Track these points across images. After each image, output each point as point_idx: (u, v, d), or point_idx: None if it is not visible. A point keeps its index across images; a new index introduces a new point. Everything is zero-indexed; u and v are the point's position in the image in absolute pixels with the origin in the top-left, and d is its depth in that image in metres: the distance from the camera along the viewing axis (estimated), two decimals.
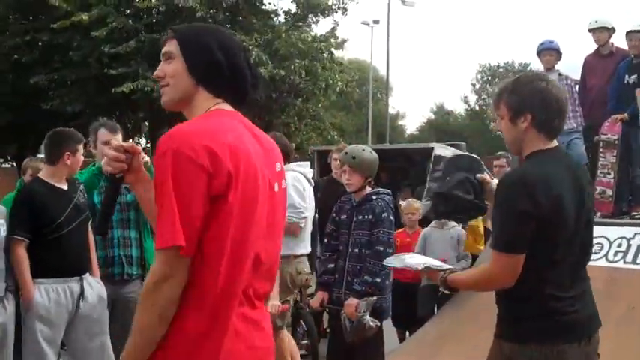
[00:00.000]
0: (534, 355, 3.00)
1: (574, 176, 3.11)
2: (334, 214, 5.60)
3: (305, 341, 6.86)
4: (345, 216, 5.47)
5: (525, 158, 3.18)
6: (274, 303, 5.30)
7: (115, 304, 5.69)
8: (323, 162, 12.89)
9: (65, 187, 5.20)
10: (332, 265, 5.47)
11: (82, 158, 5.25)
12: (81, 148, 5.21)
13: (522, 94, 3.12)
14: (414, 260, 3.54)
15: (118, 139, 5.71)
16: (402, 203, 8.22)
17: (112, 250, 5.64)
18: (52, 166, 5.17)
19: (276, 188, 2.50)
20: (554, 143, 3.19)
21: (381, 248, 5.22)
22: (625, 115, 7.99)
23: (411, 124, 74.27)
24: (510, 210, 2.98)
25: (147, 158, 5.64)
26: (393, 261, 3.82)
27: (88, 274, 5.23)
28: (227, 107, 2.50)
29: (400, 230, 8.03)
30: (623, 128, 8.08)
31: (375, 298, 5.19)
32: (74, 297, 5.10)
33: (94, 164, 5.85)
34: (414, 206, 8.13)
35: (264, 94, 19.43)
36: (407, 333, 8.17)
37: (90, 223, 5.32)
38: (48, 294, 5.01)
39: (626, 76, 8.21)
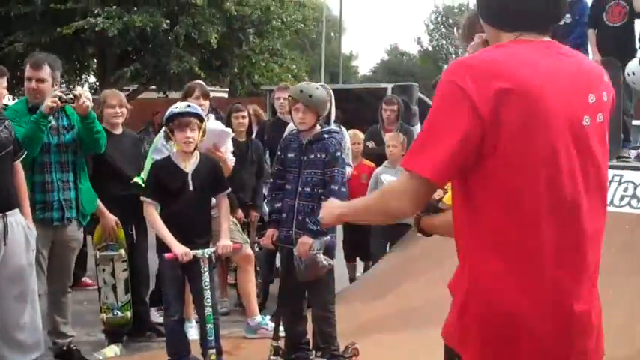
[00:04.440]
0: None
1: None
2: (279, 153, 5.49)
3: (256, 280, 6.79)
4: (292, 154, 5.36)
5: None
6: (225, 243, 5.20)
7: (53, 246, 5.57)
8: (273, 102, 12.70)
9: None
10: (279, 205, 5.38)
11: (3, 92, 5.01)
12: (3, 81, 4.97)
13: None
14: None
15: (41, 74, 5.50)
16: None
17: (51, 194, 5.47)
18: None
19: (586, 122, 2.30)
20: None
21: (336, 187, 5.14)
22: None
23: (365, 66, 73.59)
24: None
25: (88, 102, 5.48)
26: None
27: (15, 211, 4.95)
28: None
29: None
30: None
31: (328, 237, 5.13)
32: None
33: (26, 100, 5.65)
34: (358, 136, 8.07)
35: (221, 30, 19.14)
36: (357, 268, 8.23)
37: (19, 160, 5.10)
38: None
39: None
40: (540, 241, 2.22)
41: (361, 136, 8.16)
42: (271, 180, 5.71)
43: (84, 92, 5.47)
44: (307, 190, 5.22)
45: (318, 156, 5.22)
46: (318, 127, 5.32)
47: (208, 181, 5.24)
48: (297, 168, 5.29)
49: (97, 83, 22.36)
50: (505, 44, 2.35)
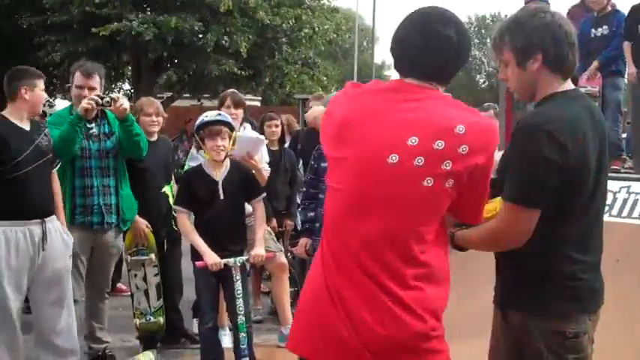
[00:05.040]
0: (546, 326, 2.72)
1: (595, 119, 2.76)
2: (313, 162, 5.50)
3: (291, 289, 6.80)
4: (325, 164, 5.34)
5: (541, 101, 2.80)
6: (258, 252, 5.22)
7: (93, 251, 5.63)
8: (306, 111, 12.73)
9: (27, 127, 5.02)
10: (312, 214, 5.38)
11: (42, 94, 5.07)
12: (40, 84, 5.02)
13: (527, 32, 2.73)
14: None
15: (92, 83, 5.59)
16: None
17: (91, 198, 5.53)
18: (12, 102, 4.99)
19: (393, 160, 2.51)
20: (570, 84, 2.82)
21: None
22: (596, 62, 8.14)
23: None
24: (532, 158, 2.60)
25: (126, 105, 5.57)
26: None
27: (53, 217, 5.06)
28: None
29: None
30: (603, 81, 8.16)
31: None
32: (35, 241, 4.91)
33: (71, 107, 5.74)
34: None
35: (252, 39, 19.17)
36: None
37: (55, 168, 5.21)
38: (6, 236, 4.82)
39: (592, 30, 8.38)
40: None
41: None
42: (304, 189, 5.71)
43: (120, 96, 5.55)
44: None
45: None
46: None
47: (240, 189, 5.25)
48: None
49: (132, 91, 22.55)
50: None
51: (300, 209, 6.41)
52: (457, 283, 6.44)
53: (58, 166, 5.26)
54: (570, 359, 2.73)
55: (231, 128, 5.22)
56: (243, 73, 18.85)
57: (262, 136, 6.46)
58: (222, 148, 5.10)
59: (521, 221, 2.65)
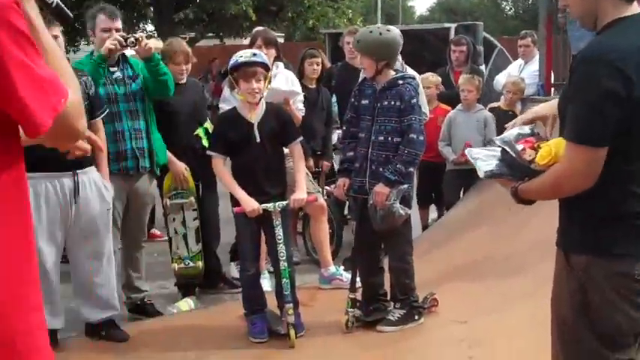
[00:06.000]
0: (613, 269, 2.53)
1: None
2: (353, 100, 5.26)
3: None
4: (366, 101, 5.15)
5: (602, 29, 2.56)
6: (299, 196, 5.06)
7: (129, 199, 5.50)
8: (333, 46, 12.42)
9: None
10: (351, 154, 5.20)
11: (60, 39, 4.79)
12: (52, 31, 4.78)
13: None
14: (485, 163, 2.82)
15: (117, 25, 5.40)
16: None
17: (123, 143, 5.37)
18: None
19: None
20: (635, 8, 2.54)
21: (414, 136, 4.93)
22: None
23: (421, 5, 72.02)
24: (593, 92, 2.41)
25: (150, 44, 5.38)
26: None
27: (89, 169, 4.89)
28: None
29: None
30: None
31: (406, 186, 4.94)
32: (66, 192, 4.75)
33: (91, 53, 5.54)
34: (429, 79, 7.79)
35: None
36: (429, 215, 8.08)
37: (100, 116, 5.05)
38: (35, 189, 4.62)
39: None
40: None
41: (432, 79, 7.86)
42: (344, 127, 5.51)
43: (144, 35, 5.39)
44: (381, 138, 5.03)
45: (392, 103, 5.00)
46: (392, 73, 5.09)
47: (277, 131, 5.06)
48: (371, 116, 5.09)
49: (155, 32, 22.29)
50: None
51: (339, 148, 6.22)
52: (499, 220, 6.41)
53: (103, 114, 5.08)
54: None
55: (267, 69, 5.01)
56: (254, 16, 18.38)
57: (296, 88, 6.24)
58: (257, 90, 4.89)
59: (587, 163, 2.44)
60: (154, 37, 20.50)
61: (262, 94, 4.96)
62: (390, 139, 5.00)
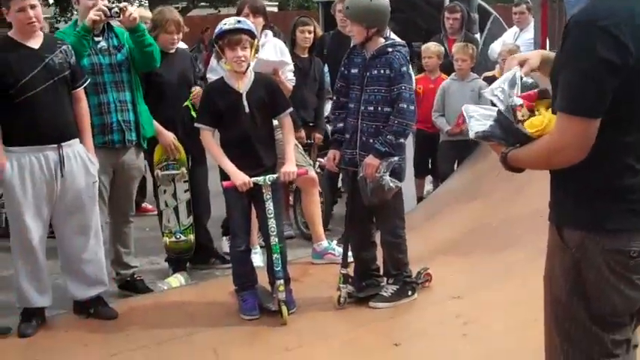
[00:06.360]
0: (607, 245, 2.40)
1: None
2: (342, 68, 5.13)
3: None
4: (355, 70, 5.01)
5: None
6: (289, 169, 4.94)
7: (115, 173, 5.39)
8: (327, 15, 12.23)
9: (37, 45, 4.70)
10: (341, 125, 5.08)
11: (29, 13, 4.61)
12: (21, 3, 4.59)
13: None
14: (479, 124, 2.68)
15: None
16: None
17: (109, 115, 5.24)
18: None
19: None
20: None
21: (404, 106, 4.80)
22: None
23: None
24: (587, 60, 2.27)
25: (135, 14, 5.24)
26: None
27: (73, 141, 4.78)
28: None
29: (421, 75, 7.75)
30: None
31: (396, 158, 4.82)
32: (51, 166, 4.66)
33: (75, 22, 5.40)
34: (431, 49, 7.65)
35: None
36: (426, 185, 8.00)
37: (81, 87, 4.92)
38: (19, 163, 4.59)
39: None
40: None
41: (434, 49, 7.69)
42: (334, 97, 5.38)
43: (128, 5, 5.23)
44: (370, 108, 4.90)
45: (382, 72, 4.87)
46: (381, 40, 4.95)
47: (266, 102, 4.93)
48: (360, 85, 4.96)
49: (147, 1, 22.05)
50: None
51: (330, 119, 6.10)
52: (493, 192, 6.32)
53: (84, 84, 4.95)
54: (636, 281, 2.44)
55: (253, 36, 4.87)
56: None
57: (288, 59, 6.11)
58: (243, 58, 4.76)
59: (578, 135, 2.31)
60: (143, 5, 20.35)
61: (249, 62, 4.84)
62: (379, 109, 4.88)
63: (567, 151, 2.35)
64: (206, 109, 4.97)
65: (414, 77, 5.35)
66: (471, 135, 2.65)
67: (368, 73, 4.92)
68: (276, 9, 27.93)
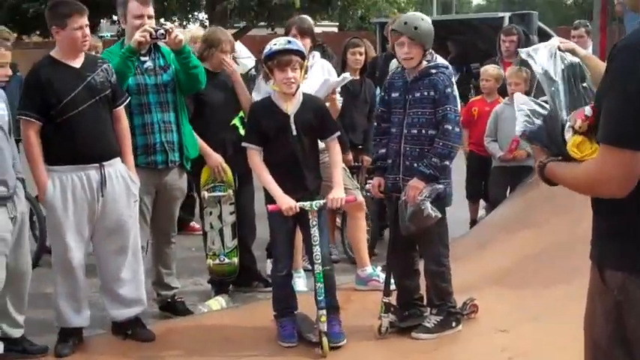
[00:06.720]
0: None
1: None
2: (382, 93, 5.04)
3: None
4: (397, 94, 4.90)
5: None
6: (337, 196, 4.81)
7: (158, 193, 5.35)
8: (384, 36, 12.17)
9: (79, 64, 4.70)
10: (383, 150, 4.96)
11: (78, 32, 4.61)
12: (76, 20, 4.59)
13: None
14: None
15: (149, 11, 5.25)
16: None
17: (152, 136, 5.21)
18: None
19: None
20: None
21: (450, 127, 4.68)
22: None
23: None
24: (632, 83, 2.10)
25: (181, 36, 5.22)
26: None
27: (114, 160, 4.77)
28: None
29: (477, 98, 7.68)
30: None
31: (441, 187, 4.68)
32: (93, 186, 4.65)
33: (122, 41, 5.39)
34: (489, 72, 7.49)
35: None
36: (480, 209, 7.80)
37: (122, 105, 4.91)
38: (61, 182, 4.60)
39: None
40: None
41: (493, 72, 7.52)
42: (375, 123, 5.27)
43: (174, 26, 5.21)
44: (414, 131, 4.78)
45: (425, 93, 4.76)
46: (424, 63, 4.83)
47: (313, 125, 4.83)
48: (403, 109, 4.84)
49: (207, 21, 22.24)
50: None
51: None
52: (545, 222, 6.11)
53: (125, 103, 4.94)
54: None
55: (303, 57, 4.78)
56: (297, 4, 18.02)
57: (328, 77, 6.04)
58: (293, 80, 4.67)
59: (622, 168, 2.12)
60: (204, 24, 20.51)
61: (299, 83, 4.75)
62: (423, 131, 4.76)
63: (609, 184, 2.18)
64: (253, 128, 4.90)
65: (458, 99, 5.23)
66: (517, 131, 2.58)
67: (410, 96, 4.82)
68: (336, 29, 27.93)
